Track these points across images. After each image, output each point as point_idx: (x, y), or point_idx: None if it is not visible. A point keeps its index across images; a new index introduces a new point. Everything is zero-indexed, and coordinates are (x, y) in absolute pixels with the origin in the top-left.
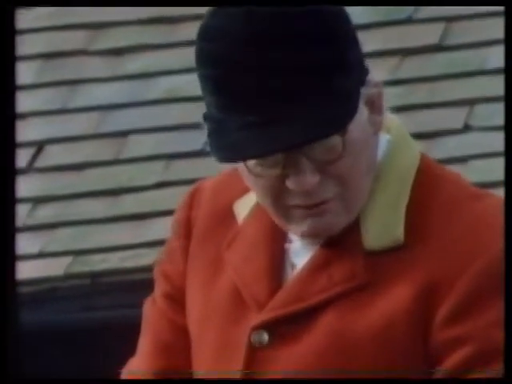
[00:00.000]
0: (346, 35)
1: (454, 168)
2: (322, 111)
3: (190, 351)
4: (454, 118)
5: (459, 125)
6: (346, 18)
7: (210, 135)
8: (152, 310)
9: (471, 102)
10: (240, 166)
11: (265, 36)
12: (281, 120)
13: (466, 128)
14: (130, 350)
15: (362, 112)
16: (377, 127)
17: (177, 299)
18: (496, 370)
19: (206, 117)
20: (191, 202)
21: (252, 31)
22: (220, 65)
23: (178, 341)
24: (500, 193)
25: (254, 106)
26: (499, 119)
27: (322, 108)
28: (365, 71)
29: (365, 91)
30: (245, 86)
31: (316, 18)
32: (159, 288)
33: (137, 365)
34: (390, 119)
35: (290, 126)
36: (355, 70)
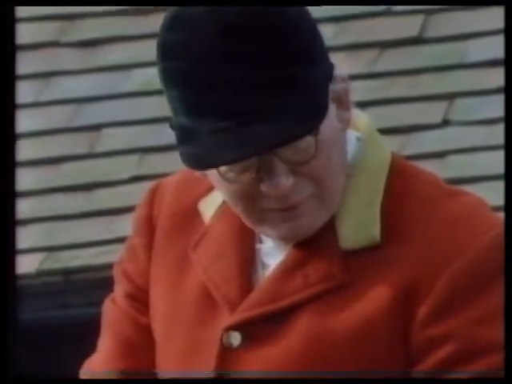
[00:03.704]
0: (310, 29)
1: (433, 163)
2: (294, 110)
3: (154, 350)
4: (433, 112)
5: (438, 119)
6: (307, 13)
7: (180, 144)
8: (113, 310)
9: (451, 96)
10: (210, 172)
11: (233, 28)
12: (252, 122)
13: (445, 122)
14: None
15: (331, 108)
16: (345, 124)
17: (139, 298)
18: (479, 368)
19: (173, 125)
20: (152, 200)
21: (220, 22)
22: (188, 56)
23: (142, 340)
24: (479, 188)
25: (222, 103)
26: (479, 114)
27: (293, 106)
28: (330, 66)
29: (331, 87)
30: (212, 78)
31: (281, 12)
32: (120, 287)
33: (101, 366)
34: (358, 116)
35: (263, 128)
36: (321, 64)
